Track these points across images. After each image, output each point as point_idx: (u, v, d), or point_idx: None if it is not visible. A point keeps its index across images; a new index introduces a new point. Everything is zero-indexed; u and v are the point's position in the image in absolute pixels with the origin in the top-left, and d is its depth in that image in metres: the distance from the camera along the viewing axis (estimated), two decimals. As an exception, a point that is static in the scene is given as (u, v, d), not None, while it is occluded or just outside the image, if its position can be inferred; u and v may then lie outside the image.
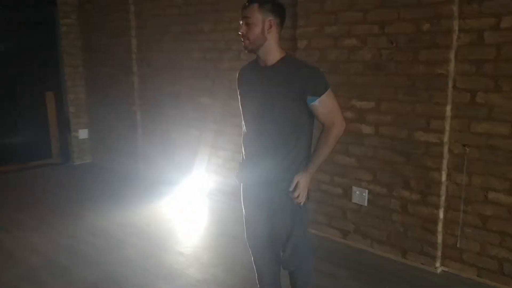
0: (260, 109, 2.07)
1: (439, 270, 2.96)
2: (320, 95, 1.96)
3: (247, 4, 1.99)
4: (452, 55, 2.72)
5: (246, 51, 2.06)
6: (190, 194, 4.52)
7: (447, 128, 2.81)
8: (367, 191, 3.23)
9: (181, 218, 3.99)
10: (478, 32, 2.63)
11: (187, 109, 4.60)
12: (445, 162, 2.85)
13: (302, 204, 2.09)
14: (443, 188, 2.88)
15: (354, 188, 3.30)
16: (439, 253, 2.96)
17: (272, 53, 2.01)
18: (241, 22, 2.00)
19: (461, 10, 2.67)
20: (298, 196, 2.04)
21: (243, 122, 2.20)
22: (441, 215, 2.92)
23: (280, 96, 2.00)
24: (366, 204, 3.26)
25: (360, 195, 3.27)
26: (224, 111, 4.20)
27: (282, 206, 2.11)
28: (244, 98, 2.18)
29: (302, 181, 2.04)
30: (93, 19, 5.52)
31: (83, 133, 5.98)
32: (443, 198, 2.90)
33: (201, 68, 4.35)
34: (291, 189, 2.04)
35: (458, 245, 2.88)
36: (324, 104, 1.98)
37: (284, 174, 2.06)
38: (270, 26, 1.96)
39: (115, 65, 5.32)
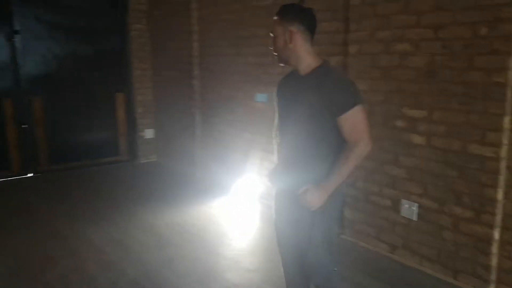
0: (287, 118, 2.05)
1: (492, 295, 2.72)
2: (345, 112, 1.87)
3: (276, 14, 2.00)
4: (511, 63, 2.49)
5: (280, 64, 2.05)
6: (241, 197, 4.56)
7: (505, 141, 2.57)
8: (416, 205, 3.05)
9: (228, 221, 4.03)
10: (542, 37, 2.39)
11: (241, 113, 4.64)
12: (501, 178, 2.61)
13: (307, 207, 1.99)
14: (499, 206, 2.64)
15: (403, 201, 3.14)
16: (493, 277, 2.72)
17: (303, 62, 1.98)
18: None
19: (524, 13, 2.44)
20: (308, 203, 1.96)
21: (276, 124, 2.19)
22: (496, 235, 2.67)
23: (306, 107, 1.94)
24: (415, 218, 3.07)
25: (409, 209, 3.10)
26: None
27: (300, 217, 2.05)
28: (278, 105, 2.16)
29: (312, 192, 1.93)
30: (160, 24, 5.77)
31: (149, 133, 6.27)
32: (498, 217, 2.65)
33: (255, 73, 4.38)
34: (299, 193, 1.96)
35: (514, 270, 2.63)
36: (349, 121, 1.89)
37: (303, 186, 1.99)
38: (292, 37, 1.93)
39: (178, 69, 5.52)
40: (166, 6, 5.60)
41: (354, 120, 1.89)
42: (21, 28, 5.26)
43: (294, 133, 2.02)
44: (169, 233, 3.74)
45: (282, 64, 2.06)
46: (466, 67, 2.68)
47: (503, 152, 2.58)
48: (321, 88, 1.90)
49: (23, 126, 5.41)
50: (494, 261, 2.70)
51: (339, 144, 1.96)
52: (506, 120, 2.55)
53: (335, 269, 2.15)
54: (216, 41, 4.85)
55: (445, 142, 2.84)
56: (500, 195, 2.63)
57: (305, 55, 1.97)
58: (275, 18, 1.99)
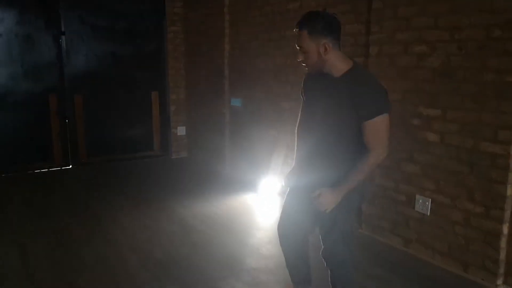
0: (312, 116, 2.16)
1: (500, 288, 2.81)
2: (372, 117, 1.96)
3: (296, 30, 2.02)
4: (523, 63, 2.60)
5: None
6: (266, 193, 4.75)
7: (515, 139, 2.67)
8: (430, 200, 3.17)
9: (252, 214, 4.24)
10: (553, 39, 2.48)
11: (269, 112, 4.85)
12: (511, 175, 2.70)
13: (318, 208, 2.12)
14: (508, 202, 2.74)
15: (417, 196, 3.26)
16: (501, 270, 2.81)
17: (336, 67, 2.03)
18: (297, 47, 2.06)
19: (535, 16, 2.54)
20: (319, 205, 2.09)
21: (298, 119, 2.33)
22: (505, 230, 2.77)
23: (336, 108, 2.04)
24: (428, 213, 3.19)
25: (423, 204, 3.22)
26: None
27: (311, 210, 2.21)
28: (305, 103, 2.28)
29: (325, 195, 2.06)
30: (194, 27, 6.07)
31: (181, 130, 6.57)
32: (508, 212, 2.75)
33: (283, 73, 4.57)
34: (313, 195, 2.09)
35: (522, 264, 2.72)
36: (373, 127, 1.98)
37: (322, 171, 2.14)
38: (325, 49, 1.98)
39: (210, 69, 5.79)
40: (200, 9, 5.88)
41: (377, 127, 1.98)
42: (66, 30, 5.67)
43: (317, 132, 2.12)
44: (196, 222, 3.98)
45: (311, 72, 2.15)
46: (480, 68, 2.79)
47: (513, 149, 2.68)
48: (354, 90, 1.97)
49: (65, 120, 5.81)
50: (502, 255, 2.80)
51: (358, 148, 2.05)
52: (517, 118, 2.65)
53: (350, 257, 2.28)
54: (247, 43, 5.08)
55: (458, 140, 2.96)
56: (509, 191, 2.73)
57: (337, 62, 2.03)
58: (303, 32, 1.99)
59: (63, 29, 5.64)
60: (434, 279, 2.97)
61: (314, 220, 2.28)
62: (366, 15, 3.55)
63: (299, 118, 2.33)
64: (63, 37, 5.66)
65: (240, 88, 5.32)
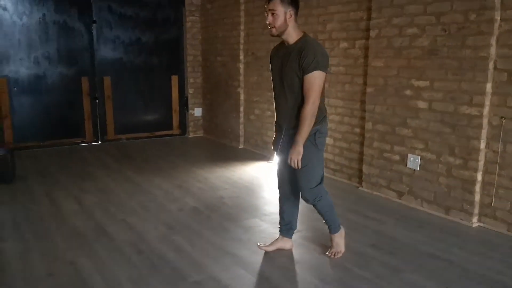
0: (280, 76, 2.67)
1: (475, 225, 3.45)
2: (309, 72, 2.48)
3: None
4: (493, 41, 3.22)
5: (272, 36, 2.63)
6: (274, 164, 5.37)
7: (487, 103, 3.30)
8: (419, 157, 3.81)
9: (266, 176, 4.88)
10: (516, 21, 3.11)
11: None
12: (484, 132, 3.34)
13: (302, 165, 2.59)
14: (482, 154, 3.37)
15: (409, 155, 3.89)
16: (476, 211, 3.45)
17: (292, 35, 2.58)
18: (266, 14, 2.57)
19: (502, 2, 3.16)
20: (296, 165, 2.59)
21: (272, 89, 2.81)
22: (479, 178, 3.41)
23: (291, 68, 2.56)
24: (418, 169, 3.83)
25: (413, 161, 3.85)
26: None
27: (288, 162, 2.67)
28: (273, 70, 2.76)
29: (292, 155, 2.57)
30: (212, 16, 6.69)
31: (198, 111, 7.21)
32: (481, 163, 3.39)
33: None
34: (289, 162, 2.60)
35: (492, 204, 3.35)
36: (309, 80, 2.50)
37: (291, 129, 2.66)
38: (290, 16, 2.53)
39: (226, 55, 6.42)
40: (217, 1, 6.50)
41: (314, 80, 2.50)
42: (97, 18, 6.29)
43: (286, 88, 2.62)
44: (220, 182, 4.63)
45: (274, 36, 2.62)
46: (460, 46, 3.42)
47: (486, 111, 3.31)
48: (300, 52, 2.51)
49: (96, 100, 6.44)
50: (477, 198, 3.43)
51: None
52: (488, 86, 3.28)
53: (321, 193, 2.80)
54: (260, 30, 5.70)
55: (442, 106, 3.59)
56: (483, 145, 3.36)
57: (293, 31, 2.57)
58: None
59: (94, 18, 6.27)
60: (421, 221, 3.60)
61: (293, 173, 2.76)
62: (367, 3, 4.17)
63: (273, 90, 2.79)
64: (94, 25, 6.28)
65: (254, 70, 5.94)
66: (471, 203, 3.46)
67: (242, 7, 6.01)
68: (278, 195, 3.01)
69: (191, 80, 7.10)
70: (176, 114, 7.18)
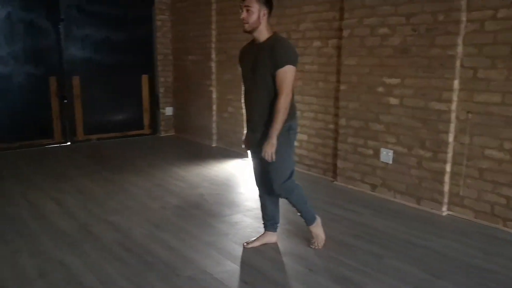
0: (252, 73, 2.73)
1: (444, 213, 3.68)
2: (281, 67, 2.57)
3: None
4: (460, 40, 3.45)
5: (245, 32, 2.71)
6: (249, 160, 5.47)
7: (455, 98, 3.53)
8: (392, 151, 4.01)
9: (242, 173, 4.97)
10: (480, 22, 3.34)
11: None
12: (452, 126, 3.57)
13: (275, 159, 2.66)
14: (450, 147, 3.60)
15: (382, 149, 4.09)
16: (445, 200, 3.68)
17: (263, 33, 2.68)
18: (241, 10, 2.65)
19: (468, 4, 3.39)
20: (268, 156, 2.65)
21: (242, 86, 2.86)
22: (448, 169, 3.64)
23: (263, 65, 2.65)
24: (391, 162, 4.03)
25: (386, 155, 4.05)
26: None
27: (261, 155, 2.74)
28: (244, 68, 2.84)
29: (265, 148, 2.63)
30: (182, 15, 6.70)
31: (169, 110, 7.20)
32: (450, 155, 3.62)
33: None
34: (263, 155, 2.66)
35: (460, 193, 3.59)
36: (281, 75, 2.59)
37: (264, 125, 2.72)
38: (264, 15, 2.63)
39: (198, 53, 6.46)
40: (188, 0, 6.54)
41: (285, 75, 2.58)
42: (65, 16, 6.18)
43: (258, 84, 2.68)
44: (198, 180, 4.68)
45: (247, 32, 2.70)
46: (429, 45, 3.63)
47: (454, 106, 3.54)
48: (271, 50, 2.61)
49: (64, 100, 6.32)
50: (446, 188, 3.67)
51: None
52: (456, 82, 3.51)
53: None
54: (234, 29, 5.77)
55: (413, 102, 3.80)
56: (451, 138, 3.59)
57: (265, 29, 2.67)
58: None
59: (62, 16, 6.15)
60: (395, 211, 3.80)
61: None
62: (340, 4, 4.34)
63: (242, 78, 2.85)
64: (62, 23, 6.17)
65: (227, 69, 6.01)
66: (441, 193, 3.69)
67: (214, 6, 6.06)
68: (258, 193, 3.09)
69: (162, 79, 7.09)
70: (147, 113, 7.15)
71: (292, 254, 2.98)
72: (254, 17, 2.63)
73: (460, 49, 3.46)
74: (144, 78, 7.02)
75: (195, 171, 5.04)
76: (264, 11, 2.65)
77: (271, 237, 3.11)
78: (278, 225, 3.15)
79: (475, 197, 3.52)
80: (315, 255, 2.94)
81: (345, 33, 4.28)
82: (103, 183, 4.55)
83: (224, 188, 4.43)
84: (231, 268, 2.77)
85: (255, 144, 2.85)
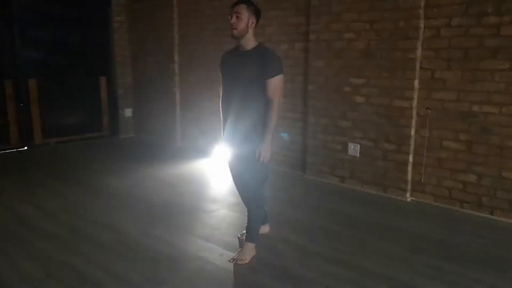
0: (236, 79, 2.81)
1: (408, 199, 4.12)
2: (272, 77, 2.70)
3: (237, 3, 2.76)
4: (419, 45, 3.88)
5: (233, 37, 2.78)
6: (217, 159, 5.62)
7: (415, 96, 3.96)
8: (359, 145, 4.39)
9: (213, 172, 5.16)
10: (436, 29, 3.79)
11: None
12: (414, 121, 4.00)
13: (264, 161, 2.77)
14: (412, 140, 4.04)
15: (349, 144, 4.46)
16: (409, 187, 4.11)
17: (250, 41, 2.78)
18: (230, 17, 2.74)
19: (425, 13, 3.83)
20: (263, 158, 2.75)
21: (221, 90, 2.94)
22: (411, 159, 4.07)
23: (251, 71, 2.74)
24: (358, 155, 4.41)
25: (354, 149, 4.43)
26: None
27: (241, 155, 2.89)
28: (226, 73, 2.90)
29: (262, 150, 2.74)
30: (141, 17, 6.73)
31: (128, 112, 7.19)
32: (412, 147, 4.05)
33: (233, 56, 5.52)
34: (256, 158, 2.75)
35: (422, 181, 4.04)
36: (272, 84, 2.71)
37: (248, 132, 2.80)
38: (252, 23, 2.75)
39: (159, 55, 6.52)
40: (147, 1, 6.57)
41: (276, 84, 2.72)
42: (20, 17, 6.00)
43: (243, 90, 2.76)
44: (173, 179, 4.81)
45: (234, 38, 2.78)
46: (391, 48, 4.04)
47: (414, 103, 3.97)
48: (261, 59, 2.72)
49: (20, 104, 6.14)
50: (409, 176, 4.10)
51: (264, 102, 2.76)
52: (416, 82, 3.94)
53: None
54: (197, 32, 5.93)
55: (378, 100, 4.19)
56: (412, 132, 4.02)
57: (251, 37, 2.78)
58: (243, 4, 2.73)
59: (15, 17, 5.96)
60: (365, 199, 4.18)
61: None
62: (306, 10, 4.65)
63: (221, 93, 2.93)
64: (15, 25, 5.98)
65: (191, 70, 6.15)
66: (405, 181, 4.12)
67: (175, 9, 6.17)
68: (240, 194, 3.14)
69: (121, 81, 7.06)
70: (106, 115, 7.09)
71: (285, 241, 3.24)
72: (243, 24, 2.73)
73: (419, 52, 3.90)
74: (103, 80, 6.97)
75: (167, 171, 5.15)
76: (253, 19, 2.77)
77: (264, 229, 3.33)
78: (267, 216, 3.38)
79: (435, 184, 3.97)
80: (308, 242, 3.22)
81: (312, 37, 4.60)
82: (78, 185, 4.54)
83: (202, 186, 4.60)
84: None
85: (235, 145, 2.91)
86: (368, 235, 3.35)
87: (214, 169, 5.24)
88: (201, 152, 5.96)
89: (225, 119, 2.94)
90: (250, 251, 2.96)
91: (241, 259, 2.90)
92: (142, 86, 7.00)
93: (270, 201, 3.65)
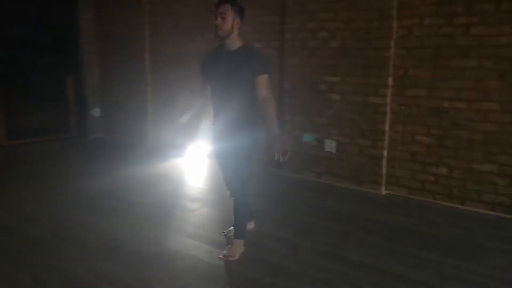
0: (225, 80, 2.82)
1: (383, 193, 4.28)
2: (262, 74, 2.73)
3: (221, 3, 2.74)
4: (392, 44, 4.04)
5: (218, 38, 2.78)
6: (191, 157, 5.66)
7: (389, 93, 4.12)
8: (335, 142, 4.51)
9: (188, 168, 5.17)
10: (409, 28, 3.95)
11: (194, 89, 5.75)
12: (388, 117, 4.16)
13: (285, 158, 2.66)
14: (386, 135, 4.20)
15: (326, 140, 4.58)
16: (384, 181, 4.28)
17: (235, 41, 2.80)
18: (215, 17, 2.73)
19: (398, 13, 3.98)
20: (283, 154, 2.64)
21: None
22: (385, 154, 4.23)
23: (239, 70, 2.76)
24: (335, 151, 4.54)
25: (330, 145, 4.55)
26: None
27: (230, 154, 2.91)
28: (212, 73, 2.90)
29: (276, 147, 2.62)
30: (110, 15, 6.60)
31: (96, 112, 7.04)
32: (386, 142, 4.21)
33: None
34: (277, 159, 2.65)
35: (396, 175, 4.21)
36: (262, 80, 2.74)
37: (235, 130, 2.85)
38: (237, 23, 2.76)
39: (129, 53, 6.43)
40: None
41: (266, 80, 2.75)
42: (-20, 14, 5.77)
43: (232, 90, 2.79)
44: (153, 179, 4.78)
45: (220, 39, 2.78)
46: (366, 47, 4.18)
47: (388, 100, 4.13)
48: (248, 58, 2.75)
49: (-16, 104, 5.91)
50: (384, 171, 4.26)
51: (252, 101, 2.79)
52: (390, 80, 4.10)
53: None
54: (169, 30, 5.89)
55: (353, 97, 4.33)
56: (387, 127, 4.18)
57: (237, 37, 2.80)
58: (228, 4, 2.72)
59: (-23, 14, 5.73)
60: (341, 194, 4.31)
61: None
62: (280, 9, 4.73)
63: (210, 85, 2.94)
64: (-22, 22, 5.75)
65: (163, 69, 6.10)
66: (380, 175, 4.28)
67: (146, 7, 6.10)
68: (228, 191, 3.17)
69: (88, 80, 6.90)
70: (74, 115, 6.92)
71: (272, 237, 3.30)
72: (228, 24, 2.73)
73: (392, 51, 4.05)
74: (70, 79, 6.78)
75: (144, 170, 5.11)
76: (238, 20, 2.77)
77: (249, 225, 3.38)
78: (253, 212, 3.42)
79: (408, 177, 4.15)
80: (293, 237, 3.30)
81: (288, 36, 4.68)
82: (53, 188, 4.42)
83: (180, 185, 4.60)
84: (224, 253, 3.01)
85: (222, 142, 2.95)
86: (349, 228, 3.46)
87: (189, 168, 5.25)
88: (175, 151, 5.93)
89: (217, 121, 2.94)
90: (239, 247, 3.00)
91: (231, 256, 2.94)
92: (111, 85, 6.87)
93: (259, 199, 3.71)
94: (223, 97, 2.87)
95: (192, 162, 5.46)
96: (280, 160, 2.63)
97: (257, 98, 2.75)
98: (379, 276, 2.73)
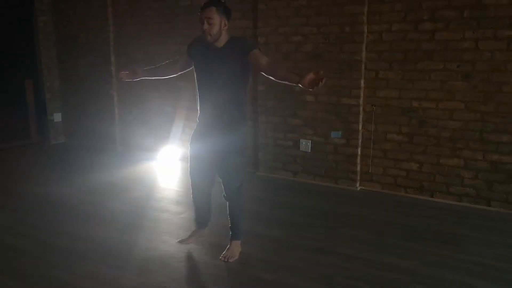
0: (213, 75, 2.82)
1: (358, 189, 4.51)
2: (254, 48, 2.72)
3: (205, 6, 2.70)
4: (363, 47, 4.26)
5: (208, 43, 2.75)
6: (163, 160, 5.64)
7: (362, 94, 4.34)
8: (310, 141, 4.69)
9: (159, 172, 5.16)
10: (379, 33, 4.19)
11: (164, 91, 5.75)
12: (361, 117, 4.39)
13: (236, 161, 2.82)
14: (360, 134, 4.43)
15: (301, 140, 4.74)
16: (358, 178, 4.50)
17: (222, 41, 2.77)
18: (201, 22, 2.70)
19: (368, 19, 4.21)
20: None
21: (197, 87, 2.95)
22: (359, 152, 4.46)
23: (227, 69, 2.76)
24: (310, 151, 4.71)
25: (305, 145, 4.72)
26: (194, 91, 5.41)
27: (223, 154, 2.90)
28: (200, 69, 2.89)
29: (304, 83, 2.50)
30: (69, 17, 6.41)
31: (57, 117, 6.81)
32: (360, 141, 4.44)
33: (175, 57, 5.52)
34: (313, 86, 2.49)
35: (369, 171, 4.45)
36: (258, 54, 2.70)
37: (225, 129, 2.85)
38: (225, 25, 2.73)
39: (92, 56, 6.28)
40: (76, 1, 6.29)
41: (259, 53, 2.72)
42: None
43: (219, 93, 2.80)
44: (127, 183, 4.74)
45: (209, 41, 2.74)
46: (338, 51, 4.38)
47: (361, 101, 4.35)
48: (237, 44, 2.76)
49: None
50: (358, 168, 4.49)
51: (244, 96, 2.90)
52: (362, 82, 4.32)
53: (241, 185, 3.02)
54: (136, 32, 5.82)
55: (327, 98, 4.52)
56: (360, 127, 4.41)
57: (225, 37, 2.78)
58: (212, 7, 2.67)
59: None
60: (317, 191, 4.49)
61: (214, 174, 3.04)
62: (253, 13, 4.84)
63: (197, 80, 2.92)
64: None
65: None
66: (354, 172, 4.50)
67: (110, 9, 6.00)
68: (192, 193, 3.15)
69: (48, 84, 6.67)
70: (34, 121, 6.67)
71: (262, 236, 3.40)
72: (216, 28, 2.70)
73: (364, 54, 4.28)
74: (28, 83, 6.53)
75: (117, 175, 5.04)
76: (225, 21, 2.73)
77: (202, 231, 3.31)
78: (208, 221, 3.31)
79: (381, 173, 4.40)
80: (283, 235, 3.42)
81: (261, 39, 4.80)
82: (22, 196, 4.28)
83: (157, 189, 4.59)
84: (219, 255, 3.07)
85: (207, 139, 2.91)
86: (333, 224, 3.64)
87: (162, 171, 5.24)
88: (144, 154, 5.88)
89: (204, 113, 2.93)
90: (237, 247, 3.07)
91: (231, 256, 3.00)
92: (72, 89, 6.68)
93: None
94: (210, 93, 2.86)
95: (164, 164, 5.45)
96: (319, 85, 2.48)
97: (263, 68, 2.68)
98: (372, 267, 2.91)
